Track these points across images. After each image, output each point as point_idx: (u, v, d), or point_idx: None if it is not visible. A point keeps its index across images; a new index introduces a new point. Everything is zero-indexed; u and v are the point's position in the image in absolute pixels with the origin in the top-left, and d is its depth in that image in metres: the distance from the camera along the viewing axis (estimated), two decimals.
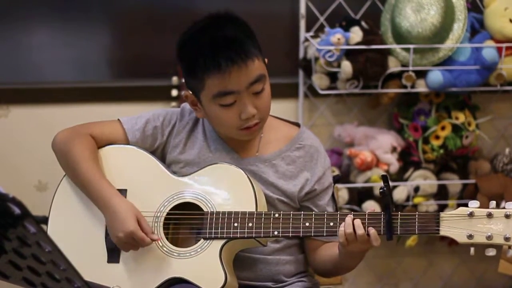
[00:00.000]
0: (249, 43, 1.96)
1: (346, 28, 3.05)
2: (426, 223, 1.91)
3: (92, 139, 2.09)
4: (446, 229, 1.89)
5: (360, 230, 1.90)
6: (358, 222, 1.90)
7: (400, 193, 3.14)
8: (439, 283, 3.47)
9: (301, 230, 1.96)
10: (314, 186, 2.10)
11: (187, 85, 2.06)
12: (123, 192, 2.06)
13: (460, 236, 1.88)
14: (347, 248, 1.93)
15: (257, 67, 1.97)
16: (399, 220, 1.92)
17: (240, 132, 2.03)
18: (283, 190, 2.08)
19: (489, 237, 1.86)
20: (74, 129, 2.13)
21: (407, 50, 3.01)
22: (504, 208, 1.87)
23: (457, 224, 1.89)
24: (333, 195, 2.14)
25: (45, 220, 2.10)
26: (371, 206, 3.09)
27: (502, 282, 3.46)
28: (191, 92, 2.05)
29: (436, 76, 3.02)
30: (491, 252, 1.88)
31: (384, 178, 1.90)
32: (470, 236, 1.87)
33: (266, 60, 2.04)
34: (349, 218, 1.91)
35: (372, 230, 1.90)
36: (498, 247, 1.87)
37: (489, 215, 1.87)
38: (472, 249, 1.89)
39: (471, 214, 1.88)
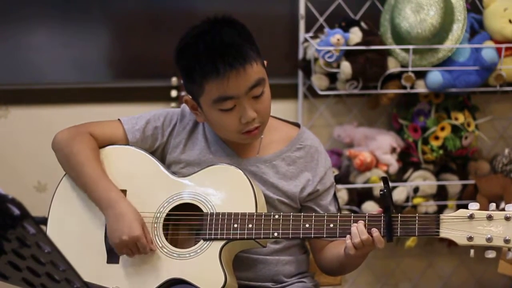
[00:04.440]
0: (247, 47, 1.96)
1: (346, 29, 3.05)
2: (426, 225, 1.91)
3: (93, 138, 2.09)
4: (446, 231, 1.89)
5: (363, 235, 1.90)
6: (361, 227, 1.91)
7: (399, 193, 3.14)
8: (439, 283, 3.47)
9: (301, 231, 1.96)
10: (317, 186, 2.10)
11: (186, 90, 2.06)
12: (122, 192, 2.05)
13: (460, 238, 1.88)
14: (354, 254, 1.94)
15: (256, 71, 1.97)
16: (399, 222, 1.92)
17: (241, 136, 2.03)
18: (283, 191, 2.08)
19: (489, 239, 1.86)
20: (74, 129, 2.12)
21: (407, 50, 3.01)
22: (504, 210, 1.87)
23: (457, 226, 1.89)
24: (335, 194, 2.15)
25: (44, 221, 2.10)
26: (370, 207, 3.09)
27: (501, 283, 3.46)
28: (191, 97, 2.05)
29: (435, 76, 3.02)
30: (491, 254, 1.88)
31: (384, 180, 1.90)
32: (470, 238, 1.87)
33: (265, 62, 2.04)
34: (354, 228, 1.92)
35: (375, 233, 1.90)
36: (497, 249, 1.87)
37: (489, 217, 1.87)
38: (472, 251, 1.89)
39: (471, 216, 1.88)
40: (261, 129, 2.04)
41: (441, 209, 3.20)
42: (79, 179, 2.06)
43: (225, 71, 1.92)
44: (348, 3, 3.16)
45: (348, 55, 2.99)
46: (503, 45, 3.02)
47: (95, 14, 3.13)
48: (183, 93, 3.04)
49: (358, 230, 1.91)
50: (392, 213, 1.91)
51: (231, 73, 1.92)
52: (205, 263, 1.96)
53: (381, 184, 1.90)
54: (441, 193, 3.20)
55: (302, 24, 3.15)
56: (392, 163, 3.15)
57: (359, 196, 3.14)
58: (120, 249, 1.98)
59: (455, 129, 3.11)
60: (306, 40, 3.12)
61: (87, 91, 3.17)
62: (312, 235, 1.97)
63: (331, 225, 1.95)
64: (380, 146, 3.15)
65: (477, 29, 3.11)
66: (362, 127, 3.23)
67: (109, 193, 2.01)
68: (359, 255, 1.96)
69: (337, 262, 2.06)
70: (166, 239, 2.02)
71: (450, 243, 3.34)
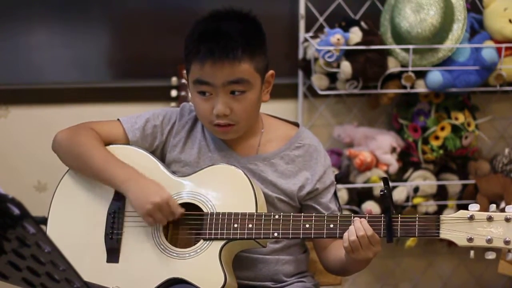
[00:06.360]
0: (240, 44, 1.97)
1: (346, 29, 3.04)
2: (426, 226, 1.91)
3: (95, 131, 2.10)
4: (446, 232, 1.89)
5: (360, 232, 1.90)
6: (358, 224, 1.91)
7: (399, 193, 3.14)
8: (439, 283, 3.47)
9: (301, 231, 1.96)
10: (316, 185, 2.10)
11: (185, 66, 2.09)
12: None
13: (460, 239, 1.88)
14: (352, 256, 1.94)
15: (241, 70, 1.98)
16: (399, 223, 1.92)
17: (212, 128, 2.05)
18: (282, 189, 2.09)
19: (489, 241, 1.86)
20: (74, 127, 2.13)
21: (407, 50, 3.01)
22: (504, 211, 1.87)
23: (457, 227, 1.88)
24: (335, 192, 2.15)
25: (44, 220, 2.10)
26: (370, 206, 3.09)
27: (501, 283, 3.46)
28: (186, 75, 2.09)
29: (435, 76, 3.02)
30: (491, 256, 1.87)
31: (384, 180, 1.90)
32: (470, 239, 1.87)
33: (271, 73, 2.07)
34: (352, 227, 1.92)
35: (370, 232, 1.90)
36: (497, 250, 1.87)
37: (489, 219, 1.87)
38: (472, 252, 1.89)
39: (471, 218, 1.88)
40: (235, 129, 2.04)
41: (441, 209, 3.20)
42: (87, 164, 2.05)
43: (205, 55, 1.96)
44: (348, 3, 3.16)
45: (348, 55, 2.99)
46: (503, 45, 3.02)
47: (95, 14, 3.13)
48: (183, 93, 3.04)
49: (355, 227, 1.91)
50: (392, 213, 1.91)
51: (210, 60, 1.96)
52: (205, 263, 1.96)
53: (381, 183, 1.90)
54: (441, 193, 3.20)
55: (302, 24, 3.15)
56: (392, 163, 3.15)
57: (359, 196, 3.14)
58: (153, 213, 1.96)
59: (455, 129, 3.11)
60: (306, 40, 3.11)
61: (87, 90, 3.17)
62: (312, 235, 1.97)
63: (331, 225, 1.95)
64: (380, 146, 3.15)
65: (477, 29, 3.11)
66: (362, 127, 3.23)
67: (125, 168, 2.02)
68: (360, 259, 1.95)
69: (340, 263, 2.06)
70: (166, 238, 2.02)
71: (450, 243, 3.34)
